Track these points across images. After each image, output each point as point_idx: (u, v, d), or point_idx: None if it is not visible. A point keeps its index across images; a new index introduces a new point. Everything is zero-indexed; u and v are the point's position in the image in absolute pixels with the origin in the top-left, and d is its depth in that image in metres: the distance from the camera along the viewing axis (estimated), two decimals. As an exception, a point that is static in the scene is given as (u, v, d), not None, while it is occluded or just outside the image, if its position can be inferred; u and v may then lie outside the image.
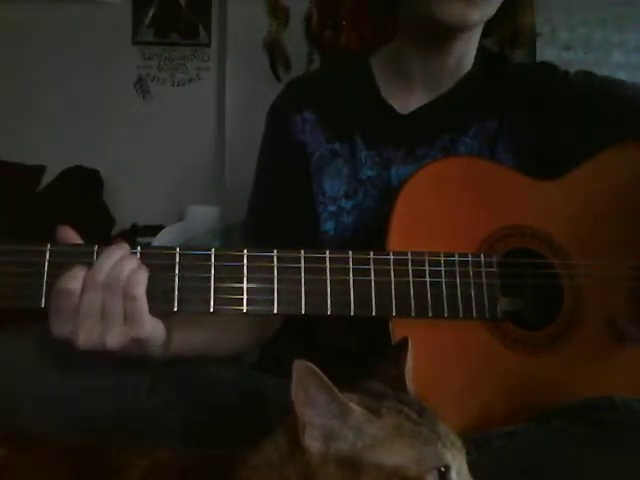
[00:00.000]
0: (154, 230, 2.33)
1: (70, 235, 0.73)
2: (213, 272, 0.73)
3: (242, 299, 0.74)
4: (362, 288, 0.76)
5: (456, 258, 0.80)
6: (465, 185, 0.87)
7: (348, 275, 0.76)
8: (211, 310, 0.73)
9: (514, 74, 0.99)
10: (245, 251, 0.75)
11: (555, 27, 2.39)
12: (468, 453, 0.56)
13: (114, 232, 2.50)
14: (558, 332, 0.84)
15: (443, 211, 0.85)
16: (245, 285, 0.74)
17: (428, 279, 0.79)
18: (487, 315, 0.81)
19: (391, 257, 0.78)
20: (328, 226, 0.95)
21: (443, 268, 0.80)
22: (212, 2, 2.68)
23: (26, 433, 0.74)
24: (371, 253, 0.78)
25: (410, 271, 0.78)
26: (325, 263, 0.76)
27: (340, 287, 0.76)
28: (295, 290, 0.75)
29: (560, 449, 0.69)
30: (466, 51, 0.95)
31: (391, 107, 0.97)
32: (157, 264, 0.72)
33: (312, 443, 0.53)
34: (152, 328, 0.72)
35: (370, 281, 0.77)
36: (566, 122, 0.94)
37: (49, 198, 2.40)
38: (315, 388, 0.52)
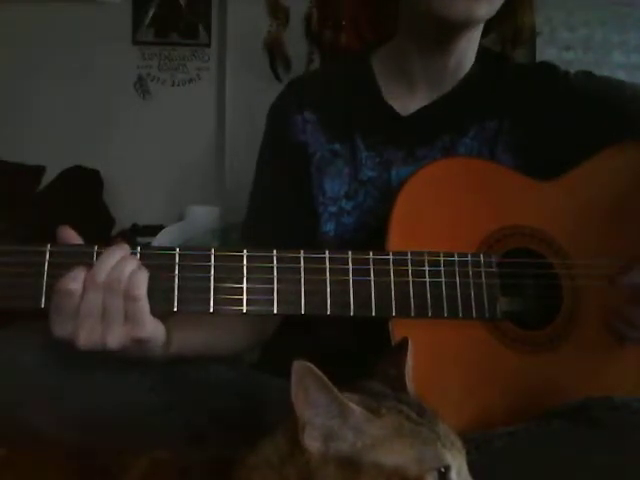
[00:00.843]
0: (154, 230, 2.33)
1: (70, 235, 0.73)
2: (213, 272, 0.73)
3: (242, 299, 0.74)
4: (362, 288, 0.76)
5: (456, 258, 0.80)
6: (465, 185, 0.87)
7: (348, 275, 0.76)
8: (211, 310, 0.73)
9: (514, 74, 0.99)
10: (245, 251, 0.75)
11: (555, 27, 2.39)
12: (468, 453, 0.56)
13: (114, 232, 2.50)
14: (558, 332, 0.84)
15: (443, 211, 0.85)
16: (245, 285, 0.74)
17: (428, 279, 0.79)
18: (487, 315, 0.81)
19: (391, 257, 0.78)
20: (328, 227, 0.95)
21: (443, 268, 0.80)
22: (212, 2, 2.68)
23: (26, 433, 0.74)
24: (371, 253, 0.78)
25: (410, 271, 0.78)
26: (325, 263, 0.76)
27: (340, 287, 0.76)
28: (295, 290, 0.75)
29: (560, 449, 0.69)
30: (467, 50, 0.95)
31: (392, 108, 0.97)
32: (157, 264, 0.72)
33: (312, 443, 0.53)
34: (153, 329, 0.72)
35: (370, 281, 0.77)
36: (566, 122, 0.94)
37: (49, 198, 2.40)
38: (315, 388, 0.52)
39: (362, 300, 0.76)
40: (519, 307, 0.87)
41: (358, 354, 0.78)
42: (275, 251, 0.75)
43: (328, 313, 0.76)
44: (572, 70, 1.00)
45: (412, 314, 0.78)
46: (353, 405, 0.53)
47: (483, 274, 0.81)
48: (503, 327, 0.82)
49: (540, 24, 2.34)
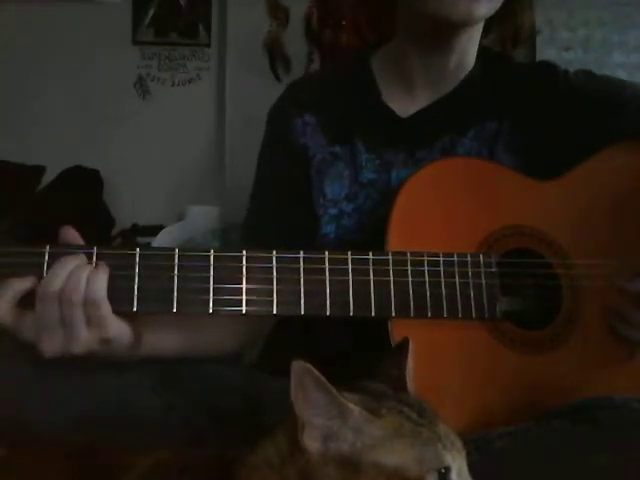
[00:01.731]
0: (154, 230, 2.33)
1: (73, 236, 0.73)
2: (212, 273, 0.73)
3: (241, 300, 0.74)
4: (361, 288, 0.77)
5: (455, 258, 0.80)
6: (464, 185, 0.87)
7: (347, 275, 0.76)
8: (210, 311, 0.73)
9: (514, 74, 0.99)
10: (244, 252, 0.75)
11: (555, 27, 2.39)
12: (468, 454, 0.56)
13: (114, 232, 2.50)
14: (557, 332, 0.84)
15: (442, 211, 0.85)
16: (244, 286, 0.74)
17: (427, 279, 0.79)
18: (486, 315, 0.81)
19: (390, 257, 0.78)
20: (329, 229, 0.95)
21: (442, 268, 0.80)
22: (212, 2, 2.68)
23: (26, 433, 0.74)
24: (370, 253, 0.78)
25: (409, 271, 0.78)
26: (324, 264, 0.76)
27: (339, 287, 0.76)
28: (294, 291, 0.75)
29: (560, 449, 0.69)
30: (467, 50, 0.95)
31: (391, 111, 0.97)
32: (156, 265, 0.72)
33: (312, 443, 0.53)
34: (117, 329, 0.73)
35: (369, 281, 0.77)
36: (566, 122, 0.94)
37: (49, 198, 2.40)
38: (314, 388, 0.52)
39: (361, 300, 0.76)
40: (519, 307, 0.87)
41: (358, 354, 0.78)
42: (274, 252, 0.75)
43: (328, 313, 0.76)
44: (572, 70, 1.00)
45: (411, 314, 0.78)
46: (352, 405, 0.53)
47: (483, 274, 0.81)
48: (503, 327, 0.82)
49: (540, 24, 2.34)
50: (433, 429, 0.54)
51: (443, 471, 0.53)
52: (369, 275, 0.77)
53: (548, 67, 1.00)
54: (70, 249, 0.72)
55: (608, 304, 0.85)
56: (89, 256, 0.71)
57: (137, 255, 0.72)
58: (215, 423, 0.82)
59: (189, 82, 2.71)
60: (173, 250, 0.73)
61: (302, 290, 0.75)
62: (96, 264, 0.72)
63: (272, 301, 0.74)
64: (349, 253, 0.77)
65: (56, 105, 2.58)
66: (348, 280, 0.76)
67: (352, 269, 0.77)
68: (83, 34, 2.58)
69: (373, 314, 0.77)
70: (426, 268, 0.79)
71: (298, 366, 0.52)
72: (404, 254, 0.79)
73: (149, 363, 0.81)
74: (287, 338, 0.95)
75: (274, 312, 0.75)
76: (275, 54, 2.52)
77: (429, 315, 0.78)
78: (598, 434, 0.69)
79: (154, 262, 0.72)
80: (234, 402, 0.85)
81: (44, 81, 2.57)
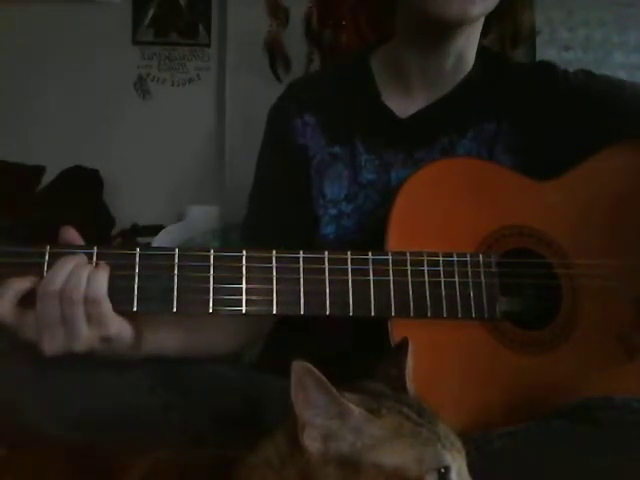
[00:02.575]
0: (154, 230, 2.33)
1: (73, 236, 0.73)
2: (212, 273, 0.73)
3: (241, 300, 0.74)
4: (361, 288, 0.77)
5: (455, 258, 0.80)
6: (464, 185, 0.87)
7: (347, 275, 0.77)
8: (210, 311, 0.73)
9: (513, 74, 0.99)
10: (244, 252, 0.75)
11: (555, 27, 2.39)
12: (468, 454, 0.56)
13: (114, 232, 2.50)
14: (557, 332, 0.84)
15: (442, 211, 0.85)
16: (244, 286, 0.74)
17: (427, 279, 0.79)
18: (486, 315, 0.81)
19: (390, 257, 0.78)
20: (329, 229, 0.95)
21: (442, 268, 0.80)
22: (212, 2, 2.68)
23: (26, 433, 0.74)
24: (370, 253, 0.78)
25: (409, 271, 0.78)
26: (324, 263, 0.76)
27: (339, 287, 0.76)
28: (294, 290, 0.75)
29: (560, 449, 0.69)
30: (465, 50, 0.95)
31: (391, 111, 0.97)
32: (156, 265, 0.72)
33: (312, 443, 0.53)
34: (118, 328, 0.73)
35: (369, 281, 0.77)
36: (565, 121, 0.94)
37: (49, 198, 2.40)
38: (314, 388, 0.53)
39: (361, 300, 0.76)
40: (518, 307, 0.87)
41: (357, 354, 0.78)
42: (274, 251, 0.75)
43: (327, 313, 0.76)
44: (572, 70, 1.00)
45: (411, 314, 0.78)
46: (352, 405, 0.53)
47: (482, 274, 0.81)
48: (502, 327, 0.82)
49: (540, 24, 2.34)
50: (433, 429, 0.54)
51: (443, 471, 0.53)
52: (369, 275, 0.77)
53: (548, 67, 1.00)
54: (70, 249, 0.72)
55: (610, 310, 0.85)
56: (89, 256, 0.71)
57: (137, 255, 0.72)
58: (215, 423, 0.82)
59: (189, 82, 2.70)
60: (173, 250, 0.73)
61: (302, 290, 0.75)
62: (96, 263, 0.72)
63: (272, 301, 0.74)
64: (349, 253, 0.77)
65: (56, 105, 2.57)
66: (348, 280, 0.76)
67: (352, 269, 0.77)
68: (83, 34, 2.58)
69: (373, 314, 0.77)
70: (426, 268, 0.79)
71: (298, 366, 0.52)
72: (404, 254, 0.79)
73: (149, 363, 0.81)
74: (287, 338, 0.95)
75: (274, 312, 0.75)
76: (275, 54, 2.52)
77: (429, 315, 0.78)
78: (598, 434, 0.69)
79: (154, 262, 0.72)
80: (234, 402, 0.85)
81: (44, 81, 2.57)
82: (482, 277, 0.81)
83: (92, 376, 0.79)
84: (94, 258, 0.71)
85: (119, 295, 0.72)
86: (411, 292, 0.78)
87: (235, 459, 0.58)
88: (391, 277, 0.78)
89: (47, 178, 2.48)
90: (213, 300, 0.73)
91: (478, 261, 0.82)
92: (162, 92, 2.68)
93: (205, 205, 2.49)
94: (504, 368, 0.81)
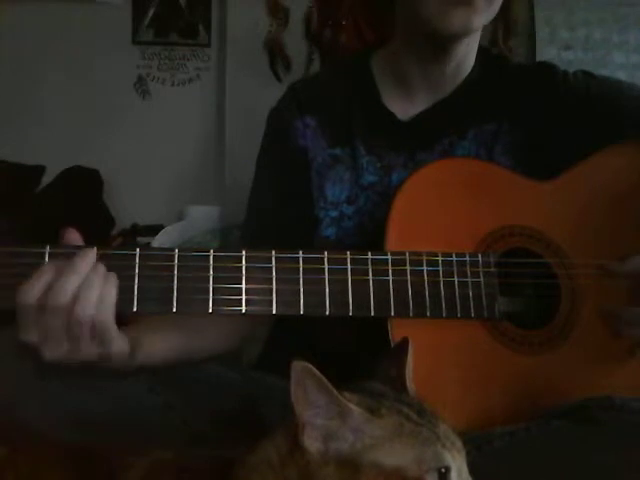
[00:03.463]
0: (154, 230, 2.33)
1: (75, 237, 0.72)
2: (212, 273, 0.73)
3: (241, 300, 0.74)
4: (360, 288, 0.77)
5: (454, 258, 0.81)
6: (463, 185, 0.87)
7: (346, 275, 0.77)
8: (210, 311, 0.73)
9: (513, 75, 0.99)
10: (243, 252, 0.75)
11: (555, 27, 2.39)
12: (468, 454, 0.56)
13: (114, 232, 2.50)
14: (556, 332, 0.84)
15: (441, 211, 0.85)
16: (244, 286, 0.74)
17: (426, 279, 0.79)
18: (485, 315, 0.81)
19: (389, 257, 0.78)
20: (329, 231, 0.95)
21: (441, 268, 0.80)
22: (212, 2, 2.68)
23: (26, 433, 0.74)
24: (369, 253, 0.78)
25: (408, 271, 0.78)
26: (324, 264, 0.76)
27: (338, 287, 0.76)
28: (294, 290, 0.75)
29: (560, 449, 0.69)
30: (466, 54, 0.95)
31: (392, 113, 0.97)
32: (156, 265, 0.72)
33: (312, 443, 0.53)
34: (119, 347, 0.73)
35: (368, 281, 0.77)
36: (564, 122, 0.94)
37: (49, 198, 2.40)
38: (314, 389, 0.52)
39: (361, 300, 0.76)
40: (518, 307, 0.87)
41: (357, 354, 0.78)
42: (274, 252, 0.75)
43: (327, 313, 0.76)
44: (572, 70, 1.00)
45: (411, 314, 0.78)
46: (352, 405, 0.53)
47: (481, 274, 0.81)
48: (502, 327, 0.82)
49: (540, 24, 2.34)
50: (433, 429, 0.54)
51: (443, 471, 0.53)
52: (368, 275, 0.77)
53: (547, 68, 1.00)
54: (70, 250, 0.72)
55: (602, 308, 0.85)
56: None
57: (137, 255, 0.72)
58: (215, 423, 0.82)
59: (189, 82, 2.70)
60: (173, 250, 0.73)
61: (301, 290, 0.75)
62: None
63: (272, 301, 0.74)
64: (348, 253, 0.77)
65: (56, 105, 2.57)
66: (347, 280, 0.76)
67: (351, 269, 0.77)
68: (83, 34, 2.58)
69: (372, 314, 0.77)
70: (425, 268, 0.79)
71: (298, 366, 0.52)
72: (403, 254, 0.79)
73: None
74: (287, 338, 0.95)
75: (274, 312, 0.75)
76: (275, 54, 2.52)
77: (428, 315, 0.78)
78: (598, 434, 0.70)
79: (154, 262, 0.72)
80: (234, 402, 0.85)
81: (44, 81, 2.57)
82: (481, 277, 0.81)
83: (92, 376, 0.79)
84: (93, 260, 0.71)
85: (119, 296, 0.72)
86: (410, 292, 0.78)
87: (235, 459, 0.58)
88: (390, 277, 0.78)
89: (47, 178, 2.48)
90: (213, 300, 0.73)
91: (477, 261, 0.82)
92: (162, 92, 2.68)
93: (205, 205, 2.49)
94: (504, 368, 0.81)
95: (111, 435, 0.75)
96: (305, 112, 0.99)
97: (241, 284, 0.74)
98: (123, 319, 0.74)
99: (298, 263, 0.76)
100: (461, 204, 0.86)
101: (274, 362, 0.86)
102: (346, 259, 0.77)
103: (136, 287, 0.72)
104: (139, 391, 0.81)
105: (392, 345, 0.76)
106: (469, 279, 0.81)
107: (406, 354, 0.63)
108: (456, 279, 0.80)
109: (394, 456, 0.53)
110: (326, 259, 0.76)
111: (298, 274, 0.75)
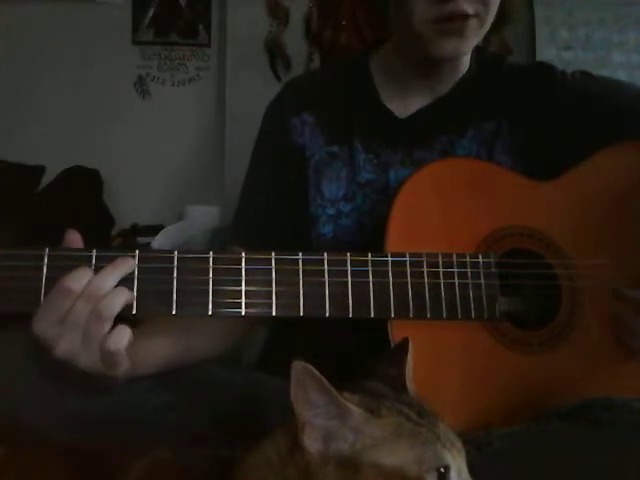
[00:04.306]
0: (154, 230, 2.33)
1: (76, 239, 0.72)
2: (211, 275, 0.73)
3: (240, 302, 0.74)
4: (360, 290, 0.76)
5: (454, 259, 0.80)
6: (463, 186, 0.87)
7: (346, 277, 0.76)
8: (210, 313, 0.73)
9: (511, 75, 0.99)
10: (243, 254, 0.75)
11: (555, 27, 2.39)
12: (468, 454, 0.56)
13: (114, 232, 2.50)
14: (557, 332, 0.84)
15: (441, 212, 0.85)
16: (243, 288, 0.74)
17: (426, 280, 0.79)
18: (485, 316, 0.81)
19: (389, 259, 0.78)
20: (326, 229, 0.95)
21: (441, 269, 0.80)
22: (212, 2, 2.68)
23: (26, 433, 0.74)
24: (369, 255, 0.78)
25: (408, 272, 0.78)
26: (323, 265, 0.76)
27: (338, 289, 0.76)
28: (293, 292, 0.75)
29: (560, 449, 0.69)
30: (460, 57, 0.96)
31: (390, 111, 0.97)
32: (155, 267, 0.72)
33: (312, 444, 0.53)
34: (125, 368, 0.72)
35: (368, 283, 0.77)
36: (563, 122, 0.94)
37: (49, 198, 2.40)
38: (314, 389, 0.53)
39: (361, 302, 0.76)
40: (518, 307, 0.87)
41: (357, 355, 0.78)
42: (274, 253, 0.75)
43: (327, 315, 0.76)
44: (571, 70, 1.00)
45: (411, 315, 0.78)
46: (352, 406, 0.53)
47: (482, 275, 0.81)
48: (502, 328, 0.82)
49: (540, 24, 2.34)
50: (433, 429, 0.54)
51: (443, 471, 0.53)
52: (368, 276, 0.77)
53: (546, 68, 1.00)
54: (69, 252, 0.71)
55: (610, 310, 0.85)
56: (88, 258, 0.71)
57: (136, 257, 0.72)
58: (215, 423, 0.82)
59: (189, 82, 2.70)
60: (172, 252, 0.73)
61: (301, 292, 0.75)
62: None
63: (271, 303, 0.74)
64: (348, 254, 0.77)
65: (56, 105, 2.57)
66: (347, 281, 0.76)
67: (351, 270, 0.77)
68: (83, 34, 2.58)
69: (372, 315, 0.77)
70: (425, 269, 0.79)
71: (298, 366, 0.52)
72: (403, 255, 0.79)
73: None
74: (287, 338, 0.95)
75: (273, 314, 0.74)
76: (275, 54, 2.52)
77: (428, 316, 0.78)
78: (598, 434, 0.69)
79: (153, 264, 0.72)
80: (234, 402, 0.85)
81: (44, 81, 2.57)
82: (482, 278, 0.81)
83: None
84: (93, 260, 0.71)
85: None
86: (410, 293, 0.78)
87: (235, 459, 0.58)
88: (390, 278, 0.77)
89: (47, 178, 2.48)
90: (212, 302, 0.73)
91: (478, 262, 0.82)
92: (162, 92, 2.68)
93: (205, 205, 2.49)
94: (504, 368, 0.81)
95: (111, 435, 0.75)
96: (303, 109, 0.98)
97: (241, 286, 0.74)
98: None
99: (298, 265, 0.76)
100: (462, 204, 0.86)
101: (274, 362, 0.86)
102: (346, 260, 0.77)
103: (135, 289, 0.71)
104: (139, 391, 0.81)
105: (392, 345, 0.76)
106: (469, 280, 0.80)
107: (406, 354, 0.63)
108: (456, 280, 0.80)
109: (394, 456, 0.53)
110: (326, 260, 0.76)
111: (298, 276, 0.75)
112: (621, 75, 2.31)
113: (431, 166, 0.88)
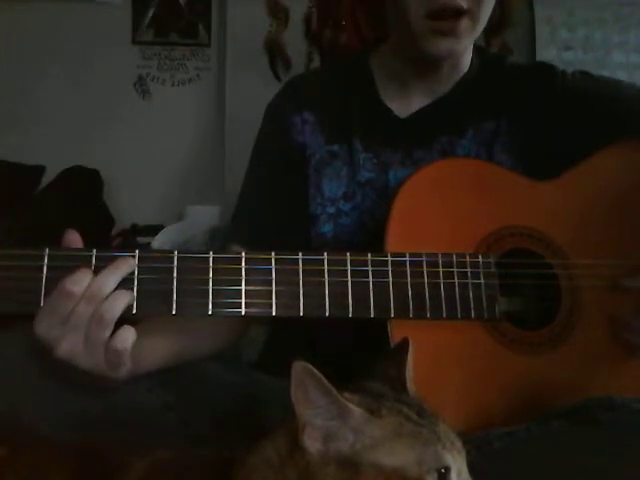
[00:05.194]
0: (154, 230, 2.33)
1: (75, 239, 0.72)
2: (211, 275, 0.73)
3: (240, 302, 0.74)
4: (360, 289, 0.76)
5: (454, 259, 0.80)
6: (463, 186, 0.87)
7: (346, 277, 0.76)
8: (210, 313, 0.73)
9: (511, 75, 0.99)
10: (243, 254, 0.75)
11: (555, 27, 2.39)
12: (468, 454, 0.56)
13: (114, 232, 2.50)
14: (556, 332, 0.84)
15: (441, 212, 0.85)
16: (243, 287, 0.74)
17: (426, 280, 0.79)
18: (485, 315, 0.81)
19: (389, 258, 0.78)
20: (326, 228, 0.95)
21: (441, 269, 0.79)
22: (212, 2, 2.68)
23: (26, 433, 0.74)
24: (369, 255, 0.78)
25: (408, 272, 0.78)
26: (323, 265, 0.76)
27: (338, 289, 0.76)
28: (293, 292, 0.75)
29: (560, 449, 0.69)
30: (461, 55, 0.96)
31: (390, 110, 0.97)
32: (155, 267, 0.72)
33: (312, 444, 0.53)
34: (126, 370, 0.72)
35: (368, 282, 0.77)
36: (563, 122, 0.94)
37: (49, 198, 2.40)
38: (314, 389, 0.52)
39: (361, 301, 0.76)
40: (518, 307, 0.87)
41: (357, 355, 0.78)
42: (274, 253, 0.75)
43: (327, 314, 0.76)
44: (571, 70, 1.00)
45: (410, 315, 0.78)
46: (352, 406, 0.53)
47: (482, 275, 0.81)
48: (502, 327, 0.82)
49: (540, 24, 2.34)
50: (433, 429, 0.54)
51: (443, 471, 0.53)
52: (368, 276, 0.77)
53: (546, 68, 1.00)
54: (69, 252, 0.71)
55: (610, 310, 0.85)
56: (88, 259, 0.71)
57: (136, 257, 0.72)
58: (215, 423, 0.82)
59: (189, 82, 2.70)
60: (172, 252, 0.73)
61: (301, 291, 0.75)
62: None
63: (271, 302, 0.74)
64: (348, 254, 0.77)
65: (56, 105, 2.57)
66: (347, 281, 0.76)
67: (351, 270, 0.77)
68: (83, 34, 2.58)
69: (372, 315, 0.77)
70: (425, 269, 0.79)
71: (298, 366, 0.52)
72: (403, 255, 0.79)
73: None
74: (287, 338, 0.95)
75: (273, 313, 0.74)
76: (275, 54, 2.52)
77: (428, 316, 0.78)
78: (598, 434, 0.69)
79: (153, 264, 0.72)
80: (234, 402, 0.85)
81: (44, 81, 2.57)
82: (481, 278, 0.81)
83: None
84: (93, 261, 0.71)
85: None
86: (410, 293, 0.78)
87: (235, 459, 0.58)
88: (390, 278, 0.77)
89: (47, 178, 2.48)
90: (212, 302, 0.73)
91: (477, 262, 0.82)
92: (162, 92, 2.68)
93: (205, 205, 2.49)
94: (504, 368, 0.81)
95: (111, 435, 0.75)
96: (303, 108, 0.98)
97: (241, 286, 0.74)
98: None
99: (298, 265, 0.76)
100: (461, 204, 0.86)
101: (274, 362, 0.86)
102: (346, 260, 0.77)
103: (135, 290, 0.71)
104: (139, 391, 0.81)
105: (392, 345, 0.76)
106: (469, 280, 0.80)
107: (406, 354, 0.63)
108: (456, 280, 0.80)
109: (394, 456, 0.53)
110: (326, 260, 0.76)
111: (298, 275, 0.75)
112: (621, 75, 2.31)
113: (431, 166, 0.88)
